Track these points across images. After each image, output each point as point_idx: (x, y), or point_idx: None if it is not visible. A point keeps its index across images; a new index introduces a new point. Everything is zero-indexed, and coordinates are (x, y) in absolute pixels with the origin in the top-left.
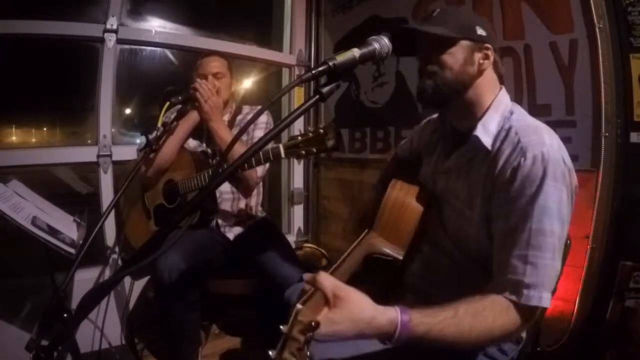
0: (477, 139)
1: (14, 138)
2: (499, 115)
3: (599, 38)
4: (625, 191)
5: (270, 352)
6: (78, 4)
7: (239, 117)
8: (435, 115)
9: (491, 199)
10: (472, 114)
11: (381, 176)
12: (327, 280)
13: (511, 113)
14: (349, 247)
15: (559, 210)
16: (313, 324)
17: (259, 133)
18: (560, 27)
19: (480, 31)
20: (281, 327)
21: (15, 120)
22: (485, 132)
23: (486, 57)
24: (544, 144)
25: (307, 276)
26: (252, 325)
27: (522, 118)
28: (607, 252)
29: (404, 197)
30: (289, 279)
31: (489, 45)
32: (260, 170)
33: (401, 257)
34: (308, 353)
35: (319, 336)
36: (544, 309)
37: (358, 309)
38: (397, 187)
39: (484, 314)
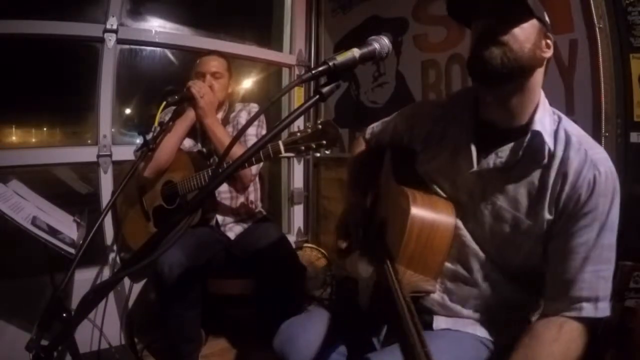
0: (539, 136)
1: (14, 138)
2: (548, 115)
3: (599, 38)
4: (625, 191)
5: None
6: (78, 4)
7: (232, 115)
8: (425, 102)
9: (559, 212)
10: (523, 109)
11: (355, 170)
12: None
13: (559, 117)
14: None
15: (617, 225)
16: None
17: (251, 130)
18: (560, 27)
19: (547, 19)
20: None
21: (15, 120)
22: (544, 129)
23: (548, 46)
24: (608, 159)
25: None
26: (252, 325)
27: (573, 125)
28: None
29: (431, 216)
30: (288, 278)
31: (551, 36)
32: (254, 168)
33: (436, 291)
34: None
35: None
36: None
37: None
38: (418, 202)
39: (571, 347)
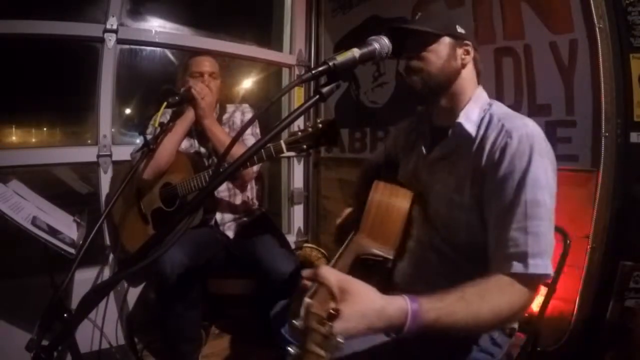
0: (460, 126)
1: (14, 138)
2: (478, 107)
3: (599, 38)
4: (625, 191)
5: (290, 349)
6: (78, 4)
7: (225, 116)
8: (406, 120)
9: (482, 182)
10: (454, 108)
11: (357, 188)
12: (330, 274)
13: (490, 105)
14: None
15: (548, 182)
16: (332, 311)
17: (247, 130)
18: (560, 27)
19: (460, 29)
20: (294, 322)
21: (15, 120)
22: (468, 120)
23: (467, 52)
24: (527, 125)
25: (306, 272)
26: (251, 325)
27: (502, 108)
28: (607, 252)
29: (388, 196)
30: (285, 277)
31: (468, 42)
32: (256, 166)
33: (391, 257)
34: (339, 340)
35: None
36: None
37: (367, 301)
38: (380, 187)
39: (491, 293)
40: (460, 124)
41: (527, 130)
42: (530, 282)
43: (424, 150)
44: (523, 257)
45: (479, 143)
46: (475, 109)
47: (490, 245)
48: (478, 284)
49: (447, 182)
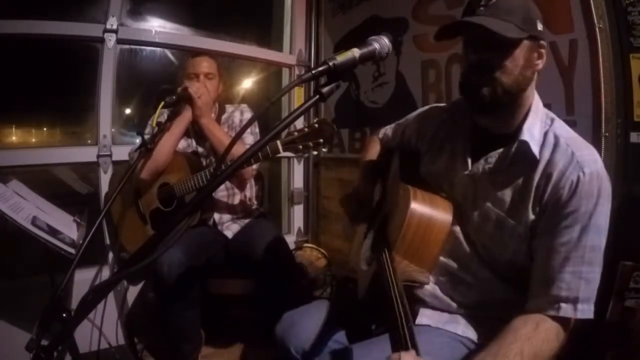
0: (526, 145)
1: (14, 138)
2: (539, 120)
3: (599, 38)
4: (625, 191)
5: None
6: (78, 4)
7: (224, 116)
8: (434, 106)
9: (541, 211)
10: (514, 117)
11: (367, 163)
12: None
13: (552, 121)
14: (349, 247)
15: (606, 227)
16: None
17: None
18: (560, 27)
19: (539, 26)
20: None
21: (15, 120)
22: (532, 138)
23: (540, 56)
24: (597, 161)
25: None
26: (251, 325)
27: (565, 128)
28: (607, 252)
29: (429, 209)
30: (283, 277)
31: (544, 43)
32: (254, 164)
33: (429, 282)
34: None
35: None
36: None
37: None
38: (418, 198)
39: (543, 348)
40: (526, 144)
41: (597, 168)
42: (571, 324)
43: (469, 160)
44: (573, 302)
45: (544, 168)
46: (537, 122)
47: (536, 278)
48: (533, 339)
49: (497, 201)
